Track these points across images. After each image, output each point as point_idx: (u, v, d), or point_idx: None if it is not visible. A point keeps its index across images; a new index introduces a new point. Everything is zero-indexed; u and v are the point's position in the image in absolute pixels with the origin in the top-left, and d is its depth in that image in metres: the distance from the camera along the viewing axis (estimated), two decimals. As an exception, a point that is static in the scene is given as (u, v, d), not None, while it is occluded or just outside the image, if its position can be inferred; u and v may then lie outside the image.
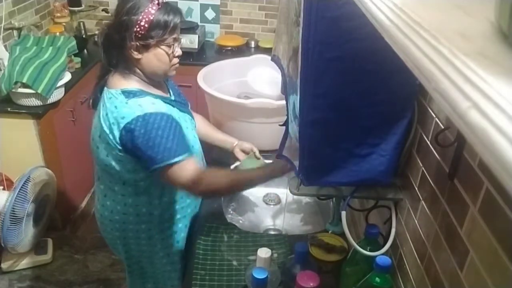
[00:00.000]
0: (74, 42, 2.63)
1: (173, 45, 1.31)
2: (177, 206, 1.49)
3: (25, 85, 2.17)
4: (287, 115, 1.16)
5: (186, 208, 1.53)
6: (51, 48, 2.46)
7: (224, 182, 1.36)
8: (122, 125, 1.24)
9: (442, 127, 0.84)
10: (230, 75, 2.14)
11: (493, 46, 0.30)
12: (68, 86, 2.41)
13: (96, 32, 3.13)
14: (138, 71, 1.32)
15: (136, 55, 1.28)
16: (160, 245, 1.52)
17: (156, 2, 1.25)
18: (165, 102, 1.35)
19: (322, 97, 0.89)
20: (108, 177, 1.40)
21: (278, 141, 1.22)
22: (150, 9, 1.24)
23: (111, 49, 1.32)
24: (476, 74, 0.26)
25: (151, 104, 1.27)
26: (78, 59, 2.68)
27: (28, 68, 2.20)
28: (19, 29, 2.62)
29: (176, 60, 1.35)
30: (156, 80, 1.39)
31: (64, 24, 2.99)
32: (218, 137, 1.69)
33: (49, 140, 2.35)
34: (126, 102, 1.26)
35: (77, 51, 2.67)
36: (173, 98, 1.44)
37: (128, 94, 1.28)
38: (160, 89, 1.41)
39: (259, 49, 3.06)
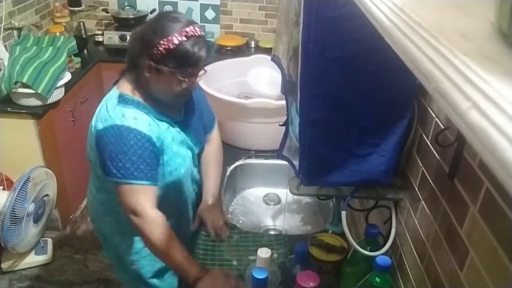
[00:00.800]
0: (74, 42, 2.63)
1: (188, 79, 1.24)
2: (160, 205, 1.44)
3: (25, 85, 2.17)
4: (287, 115, 1.16)
5: (170, 208, 1.46)
6: (51, 48, 2.46)
7: (157, 239, 1.26)
8: (101, 126, 1.24)
9: (442, 127, 0.84)
10: (230, 75, 2.14)
11: (493, 46, 0.30)
12: (68, 86, 2.41)
13: (96, 32, 3.15)
14: (143, 86, 1.29)
15: (146, 72, 1.23)
16: (133, 244, 1.48)
17: (185, 33, 1.18)
18: (160, 120, 1.30)
19: (322, 97, 0.89)
20: (90, 166, 1.43)
21: (278, 141, 1.22)
22: (174, 37, 1.17)
23: (130, 53, 1.29)
24: (476, 74, 0.26)
25: (133, 118, 1.24)
26: (78, 59, 2.68)
27: (28, 68, 2.20)
28: (19, 29, 2.62)
29: (185, 91, 1.28)
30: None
31: (64, 24, 2.99)
32: (206, 182, 1.56)
33: (49, 140, 2.35)
34: (114, 106, 1.26)
35: (77, 51, 2.67)
36: (177, 118, 1.38)
37: (122, 99, 1.27)
38: (166, 107, 1.34)
39: (259, 49, 3.06)
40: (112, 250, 1.56)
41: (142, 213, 1.25)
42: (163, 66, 1.20)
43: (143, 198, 1.25)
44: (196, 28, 1.21)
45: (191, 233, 1.54)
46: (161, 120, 1.31)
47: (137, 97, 1.29)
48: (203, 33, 1.25)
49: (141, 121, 1.25)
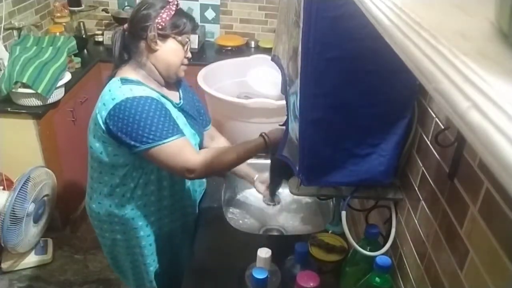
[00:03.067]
0: (74, 42, 2.63)
1: (186, 44, 1.39)
2: (152, 207, 1.46)
3: (25, 85, 2.17)
4: (287, 115, 1.16)
5: (162, 211, 1.50)
6: (51, 48, 2.46)
7: (225, 161, 1.35)
8: (111, 105, 1.26)
9: (442, 127, 0.84)
10: (230, 75, 2.14)
11: (493, 46, 0.30)
12: (68, 86, 2.41)
13: (96, 32, 3.15)
14: (150, 65, 1.37)
15: (154, 45, 1.34)
16: (134, 242, 1.50)
17: (176, 3, 1.36)
18: (164, 98, 1.38)
19: (322, 97, 0.89)
20: (91, 162, 1.43)
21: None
22: (170, 6, 1.35)
23: (126, 44, 1.38)
24: (476, 74, 0.26)
25: (142, 90, 1.30)
26: (78, 59, 2.68)
27: (28, 68, 2.20)
28: (19, 29, 2.62)
29: (186, 61, 1.42)
30: (165, 81, 1.42)
31: (64, 24, 2.99)
32: (240, 169, 1.63)
33: (49, 140, 2.35)
34: (119, 86, 1.30)
35: (77, 51, 2.67)
36: (180, 103, 1.45)
37: (124, 81, 1.32)
38: (168, 92, 1.43)
39: (259, 49, 3.06)
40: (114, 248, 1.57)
41: (194, 166, 1.27)
42: (169, 30, 1.34)
43: (186, 150, 1.28)
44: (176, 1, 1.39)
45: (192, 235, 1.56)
46: (165, 99, 1.38)
47: (144, 79, 1.36)
48: None
49: (150, 92, 1.32)
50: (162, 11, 1.33)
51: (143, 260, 1.54)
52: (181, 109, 1.44)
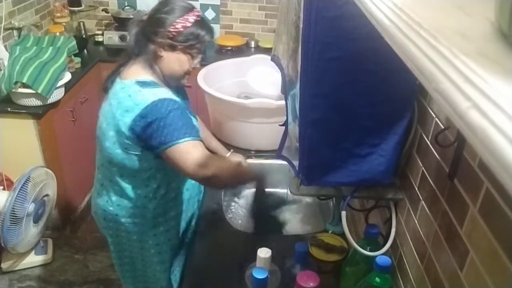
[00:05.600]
0: (74, 42, 2.63)
1: (195, 56, 1.38)
2: (172, 202, 1.50)
3: (25, 85, 2.17)
4: (287, 115, 1.16)
5: (180, 205, 1.54)
6: (51, 48, 2.46)
7: (227, 172, 1.37)
8: (137, 112, 1.27)
9: (442, 127, 0.84)
10: (230, 75, 2.14)
11: (493, 46, 0.30)
12: (68, 86, 2.41)
13: (96, 32, 3.15)
14: (156, 68, 1.37)
15: (160, 52, 1.34)
16: (151, 242, 1.51)
17: (197, 14, 1.34)
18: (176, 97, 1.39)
19: (322, 97, 0.89)
20: (109, 166, 1.42)
21: (278, 141, 1.22)
22: (189, 17, 1.32)
23: (139, 40, 1.37)
24: (476, 74, 0.26)
25: (165, 93, 1.32)
26: (78, 59, 2.68)
27: (28, 68, 2.20)
28: (19, 29, 2.62)
29: (190, 70, 1.41)
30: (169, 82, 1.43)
31: (64, 24, 2.99)
32: (212, 145, 1.72)
33: (49, 140, 2.35)
34: (139, 90, 1.30)
35: (77, 51, 2.67)
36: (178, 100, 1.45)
37: (142, 84, 1.32)
38: (172, 89, 1.44)
39: (259, 49, 3.06)
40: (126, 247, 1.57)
41: (207, 161, 1.29)
42: (178, 43, 1.32)
43: (201, 149, 1.31)
44: (200, 12, 1.38)
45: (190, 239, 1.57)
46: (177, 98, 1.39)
47: (156, 80, 1.37)
48: None
49: (171, 95, 1.34)
50: (179, 20, 1.31)
51: (160, 259, 1.55)
52: (184, 103, 1.45)
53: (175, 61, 1.35)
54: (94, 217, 1.58)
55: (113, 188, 1.44)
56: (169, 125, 1.25)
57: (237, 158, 1.67)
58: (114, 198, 1.45)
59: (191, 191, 1.57)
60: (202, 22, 1.35)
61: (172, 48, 1.33)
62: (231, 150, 1.72)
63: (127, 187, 1.42)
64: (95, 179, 1.53)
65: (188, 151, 1.27)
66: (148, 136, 1.27)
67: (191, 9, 1.34)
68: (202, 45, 1.37)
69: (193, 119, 1.44)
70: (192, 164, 1.28)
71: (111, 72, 1.44)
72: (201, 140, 1.33)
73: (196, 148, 1.29)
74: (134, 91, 1.30)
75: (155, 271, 1.58)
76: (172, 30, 1.30)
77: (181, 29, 1.31)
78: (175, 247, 1.59)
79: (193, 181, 1.52)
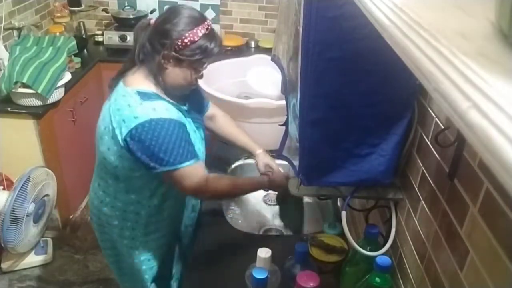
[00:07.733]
0: (74, 42, 2.63)
1: (201, 69, 1.34)
2: (165, 212, 1.48)
3: (25, 85, 2.17)
4: (287, 115, 1.17)
5: (173, 216, 1.53)
6: (51, 48, 2.46)
7: (226, 189, 1.40)
8: (133, 125, 1.23)
9: (442, 127, 0.84)
10: (230, 75, 2.14)
11: (493, 46, 0.30)
12: (68, 86, 2.41)
13: (96, 32, 3.15)
14: (159, 79, 1.32)
15: (165, 64, 1.28)
16: (142, 248, 1.51)
17: (206, 27, 1.27)
18: (179, 110, 1.35)
19: (322, 97, 0.89)
20: (104, 169, 1.41)
21: (278, 141, 1.22)
22: (198, 31, 1.25)
23: (144, 47, 1.31)
24: (476, 74, 0.26)
25: (165, 110, 1.28)
26: (78, 59, 2.68)
27: (28, 68, 2.20)
28: (19, 29, 2.62)
29: (195, 83, 1.37)
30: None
31: (64, 24, 2.99)
32: (243, 140, 1.66)
33: (49, 140, 2.35)
34: (140, 103, 1.26)
35: (77, 51, 2.67)
36: (186, 108, 1.42)
37: (143, 95, 1.28)
38: (175, 97, 1.38)
39: (259, 49, 3.06)
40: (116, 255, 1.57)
41: (206, 183, 1.32)
42: (185, 57, 1.27)
43: (200, 173, 1.32)
44: (210, 22, 1.32)
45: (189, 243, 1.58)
46: (180, 111, 1.36)
47: (158, 91, 1.32)
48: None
49: (172, 111, 1.30)
50: (187, 34, 1.24)
51: (148, 266, 1.54)
52: (188, 113, 1.41)
53: (179, 74, 1.31)
54: (90, 215, 1.57)
55: (108, 189, 1.44)
56: (165, 150, 1.23)
57: (265, 158, 1.60)
58: (108, 199, 1.44)
59: (186, 201, 1.56)
60: (210, 35, 1.28)
61: (178, 62, 1.28)
62: (261, 149, 1.64)
63: (121, 191, 1.41)
64: (94, 175, 1.52)
65: (184, 177, 1.28)
66: (141, 152, 1.24)
67: (201, 20, 1.27)
68: (209, 58, 1.32)
69: (196, 133, 1.42)
70: (190, 188, 1.30)
71: (117, 73, 1.40)
72: (199, 161, 1.32)
73: (195, 171, 1.29)
74: (135, 102, 1.26)
75: (140, 277, 1.57)
76: (179, 43, 1.24)
77: (189, 44, 1.25)
78: (166, 255, 1.58)
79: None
